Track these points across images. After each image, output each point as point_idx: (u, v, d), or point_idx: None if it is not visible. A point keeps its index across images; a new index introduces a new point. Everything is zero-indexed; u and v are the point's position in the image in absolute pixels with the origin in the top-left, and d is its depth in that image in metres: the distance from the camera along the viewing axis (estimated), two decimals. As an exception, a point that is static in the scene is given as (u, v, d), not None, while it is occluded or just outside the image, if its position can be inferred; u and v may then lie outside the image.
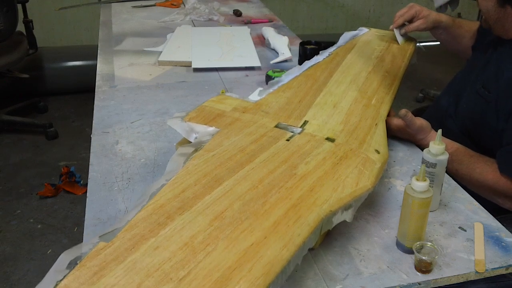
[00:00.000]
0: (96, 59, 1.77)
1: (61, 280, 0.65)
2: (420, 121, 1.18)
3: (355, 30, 1.65)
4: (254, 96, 1.19)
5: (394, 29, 1.55)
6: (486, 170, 1.11)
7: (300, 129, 1.03)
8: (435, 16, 1.46)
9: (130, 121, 1.32)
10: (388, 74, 1.34)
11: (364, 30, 1.64)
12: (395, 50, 1.50)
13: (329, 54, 1.41)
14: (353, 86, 1.24)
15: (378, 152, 0.98)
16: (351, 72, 1.31)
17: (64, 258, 0.69)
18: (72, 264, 0.68)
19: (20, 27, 2.70)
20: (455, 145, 1.17)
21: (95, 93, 1.48)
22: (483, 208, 1.01)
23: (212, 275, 0.66)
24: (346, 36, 1.58)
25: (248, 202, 0.80)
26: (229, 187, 0.83)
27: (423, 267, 0.84)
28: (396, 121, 1.20)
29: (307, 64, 1.35)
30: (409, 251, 0.87)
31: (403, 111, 1.16)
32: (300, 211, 0.79)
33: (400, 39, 1.55)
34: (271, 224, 0.75)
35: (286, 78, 1.27)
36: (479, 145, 1.20)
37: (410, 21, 1.50)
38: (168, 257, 0.69)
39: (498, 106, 1.15)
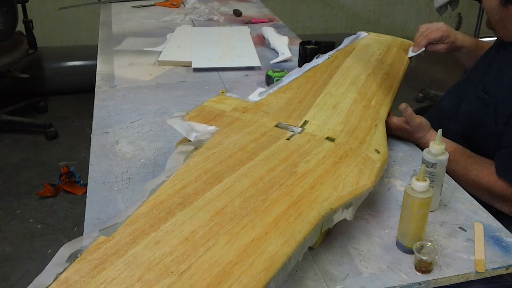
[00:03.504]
0: (96, 59, 1.77)
1: (61, 273, 0.65)
2: (420, 119, 1.18)
3: (355, 31, 1.65)
4: (254, 97, 1.19)
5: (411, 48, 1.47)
6: (482, 172, 1.11)
7: (300, 128, 1.03)
8: (460, 42, 1.40)
9: (130, 121, 1.32)
10: (388, 76, 1.34)
11: (363, 34, 1.64)
12: (394, 53, 1.50)
13: (329, 57, 1.42)
14: (352, 88, 1.24)
15: (378, 152, 0.99)
16: (350, 74, 1.32)
17: (64, 251, 0.69)
18: (72, 257, 0.68)
19: (20, 27, 2.70)
20: (453, 145, 1.17)
21: (95, 93, 1.48)
22: (483, 208, 1.01)
23: (213, 269, 0.67)
24: (345, 41, 1.58)
25: (248, 198, 0.80)
26: (230, 184, 0.83)
27: (423, 267, 0.84)
28: (395, 120, 1.20)
29: (307, 66, 1.35)
30: (409, 251, 0.87)
31: (403, 105, 1.16)
32: (300, 208, 0.79)
33: (411, 54, 1.47)
34: (271, 220, 0.76)
35: (286, 79, 1.27)
36: (477, 148, 1.20)
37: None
38: (168, 251, 0.69)
39: (498, 109, 1.14)
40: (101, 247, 0.69)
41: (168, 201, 0.79)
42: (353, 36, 1.61)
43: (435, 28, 1.40)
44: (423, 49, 1.42)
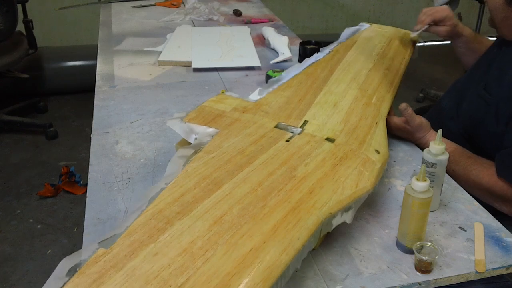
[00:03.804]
0: (96, 59, 1.77)
1: None
2: (420, 119, 1.18)
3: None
4: (254, 96, 1.18)
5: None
6: (482, 172, 1.11)
7: (300, 129, 1.03)
8: (460, 29, 1.41)
9: (130, 121, 1.32)
10: (389, 71, 1.33)
11: (365, 25, 1.62)
12: (396, 46, 1.48)
13: (329, 51, 1.40)
14: (353, 84, 1.23)
15: (378, 152, 0.98)
16: (351, 70, 1.30)
17: (64, 264, 0.68)
18: (71, 271, 0.67)
19: (20, 27, 2.70)
20: (453, 145, 1.17)
21: (95, 93, 1.48)
22: (483, 208, 1.01)
23: (211, 281, 0.66)
24: (347, 32, 1.56)
25: (247, 206, 0.79)
26: (229, 190, 0.82)
27: (423, 267, 0.84)
28: (396, 120, 1.20)
29: (308, 61, 1.34)
30: (409, 251, 0.87)
31: (403, 105, 1.16)
32: (299, 214, 0.78)
33: (414, 33, 1.46)
34: (270, 228, 0.75)
35: (286, 76, 1.26)
36: (478, 147, 1.19)
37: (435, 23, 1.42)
38: (167, 264, 0.68)
39: (499, 108, 1.14)
40: (100, 260, 0.68)
41: (167, 210, 0.78)
42: (354, 28, 1.60)
43: (440, 9, 1.40)
44: (427, 26, 1.40)
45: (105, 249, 0.70)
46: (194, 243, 0.71)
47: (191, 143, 1.00)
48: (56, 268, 0.68)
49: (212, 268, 0.68)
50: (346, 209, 0.83)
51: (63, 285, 0.65)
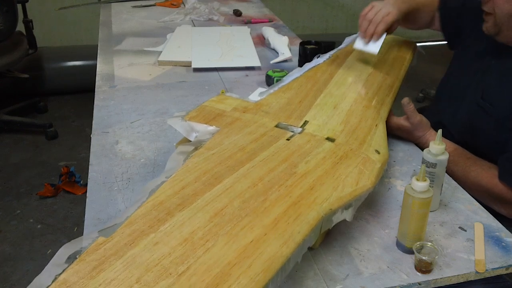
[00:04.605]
0: (96, 59, 1.77)
1: (60, 274, 0.65)
2: (420, 117, 1.17)
3: (355, 31, 1.64)
4: (254, 96, 1.19)
5: (358, 40, 1.33)
6: (481, 174, 1.11)
7: (300, 129, 1.03)
8: (403, 14, 1.33)
9: (130, 121, 1.32)
10: (389, 76, 1.34)
11: None
12: (395, 52, 1.50)
13: (329, 56, 1.42)
14: (353, 88, 1.24)
15: (378, 152, 0.98)
16: (351, 73, 1.31)
17: (63, 252, 0.69)
18: (71, 258, 0.68)
19: (20, 27, 2.70)
20: (453, 145, 1.16)
21: (95, 93, 1.48)
22: (483, 208, 1.01)
23: (212, 270, 0.67)
24: (347, 40, 1.57)
25: (248, 199, 0.80)
26: (229, 184, 0.83)
27: (423, 267, 0.84)
28: (396, 119, 1.20)
29: (308, 66, 1.35)
30: (409, 251, 0.87)
31: (405, 99, 1.15)
32: (300, 209, 0.79)
33: (371, 47, 1.31)
34: (271, 221, 0.76)
35: (286, 79, 1.27)
36: (476, 153, 1.18)
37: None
38: (167, 252, 0.69)
39: (500, 113, 1.13)
40: (100, 248, 0.69)
41: (168, 202, 0.79)
42: (354, 35, 1.61)
43: (385, 10, 1.27)
44: (385, 35, 1.31)
45: (105, 237, 0.71)
46: (195, 233, 0.72)
47: (191, 142, 1.00)
48: (55, 255, 0.68)
49: (213, 257, 0.68)
50: (346, 207, 0.84)
51: (62, 272, 0.65)
